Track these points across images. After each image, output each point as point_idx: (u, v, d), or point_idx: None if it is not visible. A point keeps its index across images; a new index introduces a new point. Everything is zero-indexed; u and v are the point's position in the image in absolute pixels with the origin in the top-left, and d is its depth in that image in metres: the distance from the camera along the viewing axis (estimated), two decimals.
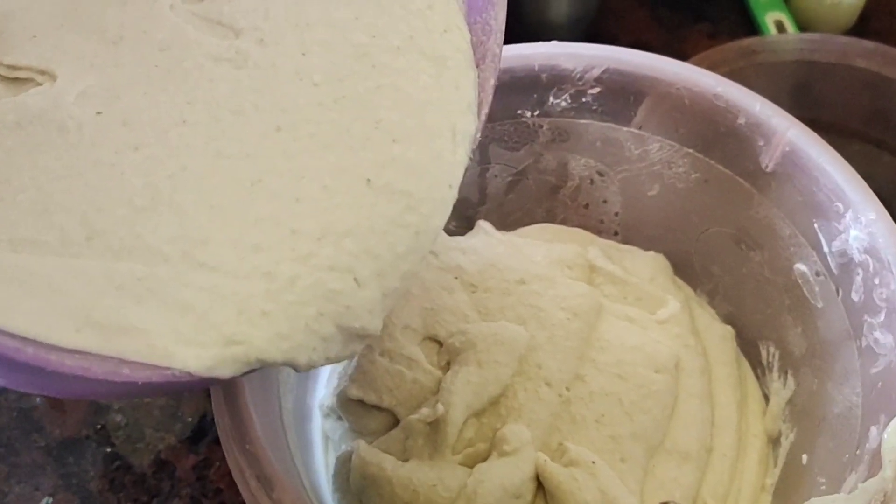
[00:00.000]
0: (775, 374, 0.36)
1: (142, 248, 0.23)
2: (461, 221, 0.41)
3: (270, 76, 0.26)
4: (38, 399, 0.47)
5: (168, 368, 0.22)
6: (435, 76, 0.27)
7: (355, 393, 0.35)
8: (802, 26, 0.58)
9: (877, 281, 0.29)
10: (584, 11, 0.57)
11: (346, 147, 0.25)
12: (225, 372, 0.22)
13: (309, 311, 0.23)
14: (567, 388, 0.34)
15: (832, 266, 0.31)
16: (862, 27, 0.59)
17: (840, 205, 0.31)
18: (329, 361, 0.24)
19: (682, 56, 0.58)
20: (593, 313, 0.35)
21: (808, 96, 0.54)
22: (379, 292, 0.24)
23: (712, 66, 0.52)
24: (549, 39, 0.54)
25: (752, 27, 0.60)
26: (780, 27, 0.59)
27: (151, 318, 0.23)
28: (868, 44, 0.53)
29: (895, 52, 0.52)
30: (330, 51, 0.27)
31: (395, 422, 0.35)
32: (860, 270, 0.30)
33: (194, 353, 0.22)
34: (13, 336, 0.21)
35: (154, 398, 0.45)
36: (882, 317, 0.29)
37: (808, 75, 0.53)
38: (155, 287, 0.23)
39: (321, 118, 0.26)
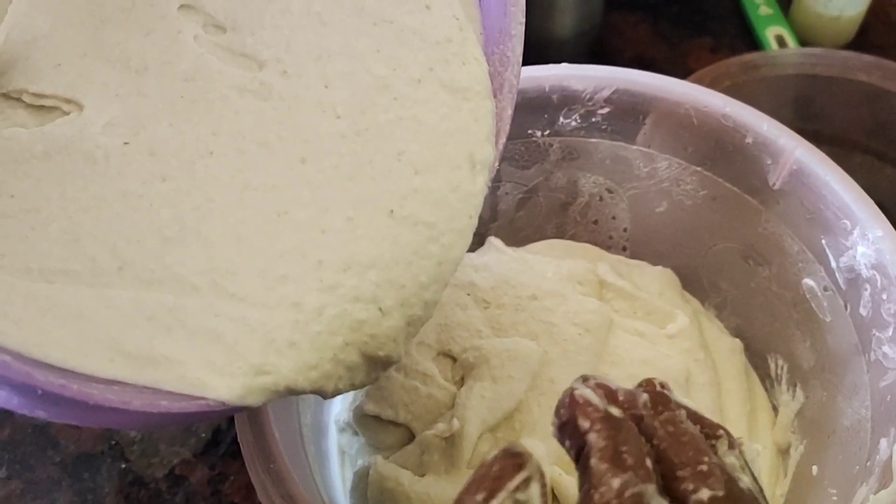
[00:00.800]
0: (784, 387, 0.37)
1: (171, 279, 0.24)
2: (473, 238, 0.41)
3: (294, 108, 0.27)
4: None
5: (203, 398, 0.22)
6: (454, 108, 0.27)
7: (371, 408, 0.35)
8: (803, 41, 0.59)
9: (884, 296, 0.30)
10: (588, 27, 0.57)
11: (368, 178, 0.26)
12: (255, 401, 0.23)
13: (336, 341, 0.24)
14: None
15: (840, 281, 0.32)
16: (861, 41, 0.60)
17: (847, 222, 0.31)
18: (354, 388, 0.25)
19: (684, 70, 0.59)
20: (604, 328, 0.36)
21: (810, 109, 0.54)
22: (403, 321, 0.25)
23: (715, 80, 0.53)
24: (554, 54, 0.55)
25: (753, 41, 0.61)
26: (781, 41, 0.59)
27: (182, 348, 0.23)
28: (868, 58, 0.53)
29: (895, 65, 0.52)
30: (352, 83, 0.27)
31: (411, 437, 0.35)
32: (868, 286, 0.31)
33: (226, 384, 0.23)
34: (56, 370, 0.22)
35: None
36: (890, 331, 0.29)
37: (809, 89, 0.54)
38: (184, 317, 0.23)
39: (344, 150, 0.26)
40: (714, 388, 0.37)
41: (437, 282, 0.25)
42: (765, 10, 0.61)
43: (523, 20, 0.28)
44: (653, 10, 0.63)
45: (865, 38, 0.60)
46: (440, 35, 0.28)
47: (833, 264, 0.32)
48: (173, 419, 0.23)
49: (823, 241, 0.33)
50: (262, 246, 0.25)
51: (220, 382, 0.23)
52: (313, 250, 0.25)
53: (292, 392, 0.23)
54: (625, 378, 0.35)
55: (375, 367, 0.25)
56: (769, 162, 0.34)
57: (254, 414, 0.28)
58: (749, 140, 0.34)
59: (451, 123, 0.27)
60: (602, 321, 0.36)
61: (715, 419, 0.35)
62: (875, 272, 0.30)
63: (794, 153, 0.33)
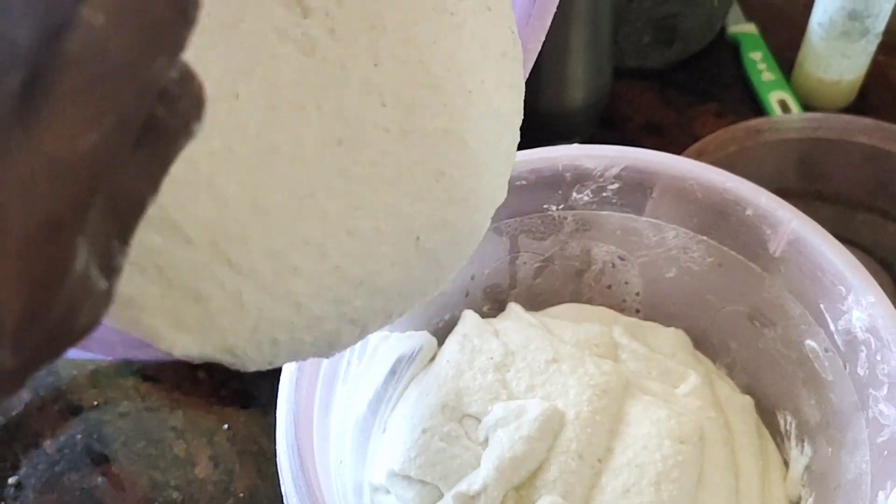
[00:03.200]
0: (793, 442, 0.39)
1: (162, 221, 0.20)
2: (493, 304, 0.44)
3: (338, 78, 0.23)
4: (99, 478, 0.50)
5: (154, 347, 0.21)
6: (496, 137, 0.26)
7: (402, 468, 0.38)
8: (805, 104, 0.62)
9: (879, 357, 0.32)
10: (597, 97, 0.61)
11: (405, 192, 0.24)
12: (199, 360, 0.21)
13: (308, 351, 0.23)
14: (599, 461, 0.37)
15: (839, 343, 0.34)
16: (862, 103, 0.62)
17: (842, 288, 0.34)
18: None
19: (691, 135, 0.62)
20: (620, 390, 0.38)
21: (814, 170, 0.57)
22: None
23: (722, 145, 0.55)
24: (566, 124, 0.58)
25: (757, 106, 0.64)
26: (784, 105, 0.62)
27: (148, 294, 0.20)
28: (867, 121, 0.56)
29: (893, 127, 0.55)
30: (403, 70, 0.24)
31: (440, 495, 0.37)
32: (864, 348, 0.33)
33: (183, 343, 0.21)
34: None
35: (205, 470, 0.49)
36: (885, 390, 0.32)
37: (812, 151, 0.57)
38: (165, 265, 0.21)
39: (385, 148, 0.24)
40: (728, 445, 0.39)
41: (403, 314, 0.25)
42: (767, 76, 0.64)
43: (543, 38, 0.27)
44: (660, 78, 0.66)
45: (865, 100, 0.63)
46: (497, 47, 0.25)
47: (832, 327, 0.35)
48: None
49: (822, 306, 0.35)
50: (280, 223, 0.22)
51: (178, 339, 0.21)
52: (334, 251, 0.23)
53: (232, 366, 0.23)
54: (641, 436, 0.37)
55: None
56: (769, 232, 0.36)
57: (303, 477, 0.31)
58: (749, 212, 0.36)
59: (489, 155, 0.25)
60: (618, 383, 0.38)
61: (729, 475, 0.38)
62: (870, 335, 0.33)
63: (791, 224, 0.35)
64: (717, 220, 0.38)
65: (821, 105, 0.62)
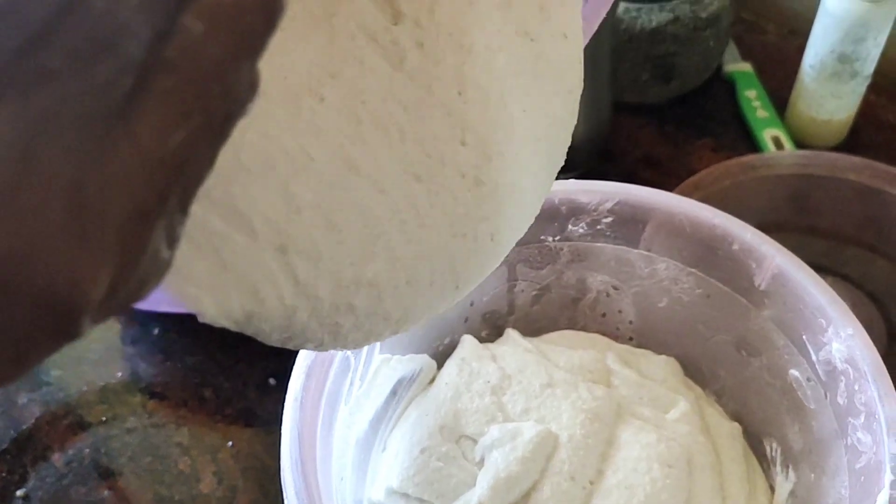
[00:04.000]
0: (779, 468, 0.40)
1: (228, 207, 0.20)
2: (492, 330, 0.46)
3: (424, 102, 0.22)
4: (106, 492, 0.51)
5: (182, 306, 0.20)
6: (542, 191, 0.25)
7: (400, 486, 0.39)
8: (797, 141, 0.64)
9: (856, 387, 0.34)
10: (597, 131, 0.63)
11: (463, 249, 0.23)
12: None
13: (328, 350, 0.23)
14: (590, 482, 0.38)
15: (820, 373, 0.36)
16: (853, 141, 0.64)
17: (823, 321, 0.35)
18: None
19: (688, 169, 0.64)
20: (612, 414, 0.40)
21: (806, 205, 0.59)
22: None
23: (717, 180, 0.57)
24: (566, 158, 0.60)
25: (751, 142, 0.66)
26: (777, 142, 0.64)
27: (198, 268, 0.20)
28: (857, 159, 0.58)
29: (882, 166, 0.57)
30: (485, 104, 0.22)
31: None
32: (843, 378, 0.34)
33: (216, 316, 0.20)
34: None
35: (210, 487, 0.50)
36: (862, 419, 0.33)
37: (804, 187, 0.59)
38: (224, 249, 0.20)
39: (460, 196, 0.22)
40: (715, 469, 0.40)
41: None
42: (762, 114, 0.66)
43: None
44: (658, 113, 0.68)
45: (856, 138, 0.65)
46: (569, 81, 0.24)
47: (813, 357, 0.36)
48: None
49: (804, 337, 0.37)
50: (352, 254, 0.21)
51: (214, 313, 0.20)
52: (389, 298, 0.22)
53: None
54: (631, 460, 0.39)
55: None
56: (754, 266, 0.38)
57: (306, 491, 0.32)
58: (736, 247, 0.38)
59: (530, 212, 0.25)
60: (610, 407, 0.40)
61: (717, 499, 0.39)
62: (848, 366, 0.34)
63: (775, 259, 0.37)
64: (706, 253, 0.40)
65: (813, 142, 0.64)
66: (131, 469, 0.52)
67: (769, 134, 0.65)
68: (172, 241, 0.16)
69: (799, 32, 0.69)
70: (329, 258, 0.21)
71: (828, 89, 0.61)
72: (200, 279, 0.20)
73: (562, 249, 0.42)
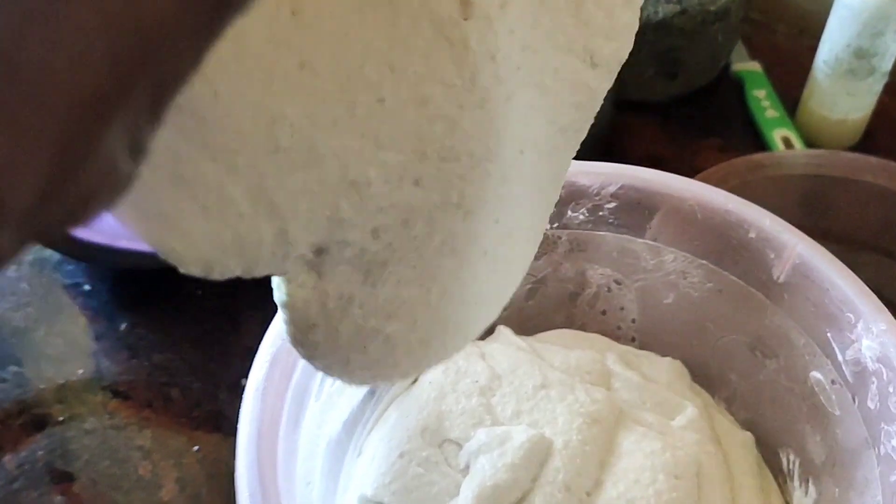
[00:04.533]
0: (796, 482, 0.36)
1: (263, 196, 0.18)
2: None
3: (494, 128, 0.21)
4: (58, 497, 0.47)
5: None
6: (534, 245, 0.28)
7: (374, 494, 0.35)
8: (809, 142, 0.61)
9: (891, 389, 0.30)
10: (598, 129, 0.59)
11: (479, 316, 0.26)
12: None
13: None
14: (587, 494, 0.34)
15: (847, 374, 0.32)
16: (867, 143, 0.61)
17: (851, 315, 0.32)
18: None
19: (693, 169, 0.60)
20: (612, 419, 0.36)
21: (818, 208, 0.55)
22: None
23: (723, 179, 0.54)
24: None
25: (760, 143, 0.62)
26: (788, 143, 0.61)
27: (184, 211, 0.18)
28: (873, 159, 0.55)
29: None
30: (545, 131, 0.23)
31: None
32: (874, 379, 0.31)
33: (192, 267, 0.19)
34: None
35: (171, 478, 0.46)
36: None
37: (816, 189, 0.55)
38: (224, 210, 0.18)
39: (517, 237, 0.24)
40: (726, 483, 0.36)
41: None
42: (771, 114, 0.63)
43: None
44: (662, 111, 0.65)
45: (871, 140, 0.61)
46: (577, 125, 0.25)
47: (839, 357, 0.33)
48: None
49: (829, 334, 0.33)
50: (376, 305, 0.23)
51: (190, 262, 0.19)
52: (402, 353, 0.24)
53: None
54: (633, 469, 0.35)
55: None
56: (772, 256, 0.34)
57: (261, 491, 0.28)
58: (752, 235, 0.35)
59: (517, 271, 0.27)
60: (610, 412, 0.36)
61: None
62: (881, 365, 0.30)
63: (796, 248, 0.33)
64: (719, 243, 0.36)
65: (825, 144, 0.61)
66: (87, 474, 0.48)
67: (779, 134, 0.62)
68: (136, 152, 0.13)
69: (810, 33, 0.66)
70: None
71: (842, 87, 0.58)
72: (180, 223, 0.18)
73: (560, 238, 0.39)
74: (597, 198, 0.37)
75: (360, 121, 0.18)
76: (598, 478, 0.34)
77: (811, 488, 0.35)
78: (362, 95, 0.18)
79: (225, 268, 0.20)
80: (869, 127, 0.61)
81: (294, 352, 0.32)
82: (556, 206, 0.38)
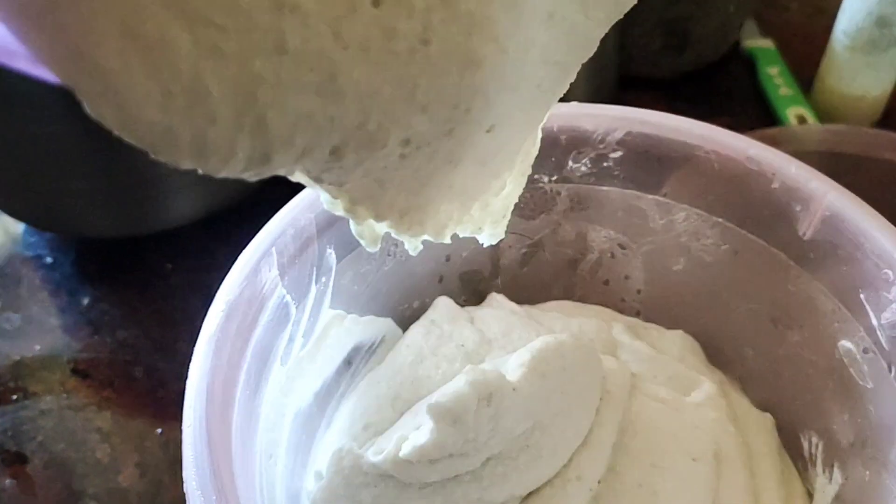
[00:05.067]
0: (819, 468, 0.32)
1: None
2: (471, 295, 0.38)
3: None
4: (8, 481, 0.43)
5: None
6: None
7: None
8: (825, 121, 0.57)
9: None
10: (598, 101, 0.56)
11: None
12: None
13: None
14: (598, 482, 0.30)
15: (882, 340, 0.28)
16: (887, 123, 0.58)
17: (889, 272, 0.28)
18: None
19: None
20: (625, 392, 0.32)
21: None
22: None
23: None
24: None
25: (772, 122, 0.59)
26: (802, 121, 0.57)
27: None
28: (895, 136, 0.51)
29: None
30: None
31: None
32: None
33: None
34: None
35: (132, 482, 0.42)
36: None
37: (832, 166, 0.51)
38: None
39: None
40: (747, 467, 0.32)
41: None
42: (785, 91, 0.59)
43: None
44: (669, 89, 0.62)
45: (891, 119, 0.58)
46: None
47: (874, 321, 0.29)
48: None
49: (862, 296, 0.29)
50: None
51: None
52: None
53: None
54: (647, 451, 0.31)
55: None
56: (798, 209, 0.31)
57: (210, 457, 0.24)
58: (776, 185, 0.31)
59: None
60: (623, 382, 0.32)
61: (749, 502, 0.31)
62: None
63: (827, 197, 0.30)
64: (737, 196, 0.32)
65: (842, 122, 0.57)
66: (41, 456, 0.44)
67: (793, 113, 0.58)
68: None
69: (825, 11, 0.63)
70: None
71: (862, 60, 0.54)
72: (123, 91, 0.14)
73: (559, 194, 0.35)
74: (601, 146, 0.33)
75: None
76: (610, 463, 0.30)
77: (836, 473, 0.31)
78: None
79: (171, 157, 0.16)
80: (889, 105, 0.57)
81: (255, 304, 0.28)
82: (555, 156, 0.34)
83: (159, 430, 0.45)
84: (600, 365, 0.31)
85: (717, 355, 0.36)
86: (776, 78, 0.60)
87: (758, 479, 0.31)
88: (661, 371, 0.34)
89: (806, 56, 0.61)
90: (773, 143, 0.51)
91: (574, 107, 0.33)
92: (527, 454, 0.29)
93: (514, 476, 0.29)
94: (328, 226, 0.31)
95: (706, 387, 0.33)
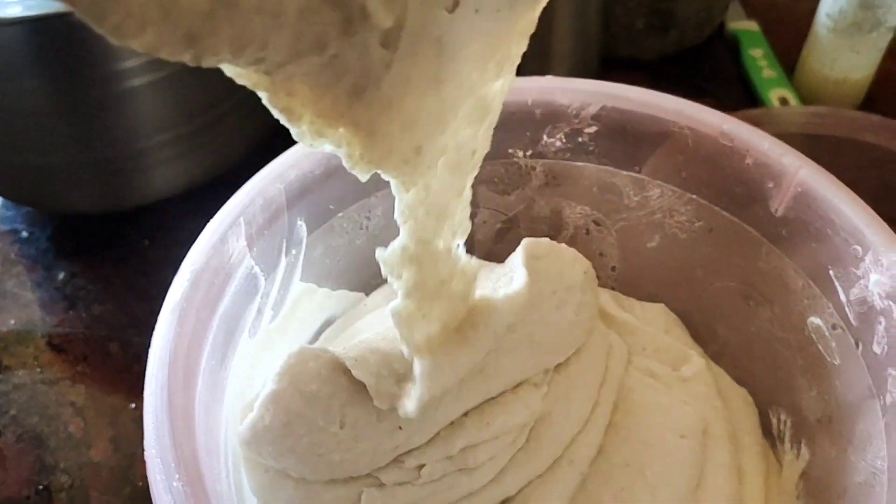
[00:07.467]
0: (787, 445, 0.32)
1: None
2: None
3: None
4: None
5: None
6: None
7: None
8: (807, 104, 0.57)
9: None
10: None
11: None
12: None
13: None
14: (589, 465, 0.30)
15: (850, 317, 0.28)
16: (868, 106, 0.58)
17: (858, 247, 0.28)
18: None
19: None
20: (623, 369, 0.32)
21: None
22: None
23: None
24: None
25: (755, 103, 0.59)
26: (785, 104, 0.57)
27: None
28: (875, 118, 0.51)
29: None
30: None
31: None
32: (882, 319, 0.27)
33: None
34: None
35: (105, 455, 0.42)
36: None
37: (814, 148, 0.51)
38: None
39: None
40: (732, 442, 0.32)
41: None
42: (768, 73, 0.59)
43: None
44: (652, 70, 0.61)
45: (873, 103, 0.58)
46: None
47: (842, 298, 0.29)
48: None
49: (831, 272, 0.29)
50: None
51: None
52: None
53: None
54: (637, 429, 0.30)
55: None
56: (771, 185, 0.30)
57: (170, 426, 0.24)
58: (749, 161, 0.31)
59: None
60: (621, 359, 0.32)
61: (733, 479, 0.31)
62: (890, 302, 0.27)
63: (799, 173, 0.30)
64: (711, 173, 0.32)
65: (825, 105, 0.57)
66: (13, 430, 0.44)
67: (776, 95, 0.58)
68: None
69: None
70: None
71: (845, 42, 0.54)
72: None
73: (534, 169, 0.35)
74: (576, 120, 0.33)
75: None
76: (599, 442, 0.30)
77: (804, 450, 0.31)
78: None
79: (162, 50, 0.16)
80: (871, 88, 0.57)
81: (221, 274, 0.28)
82: (529, 130, 0.34)
83: (133, 405, 0.45)
84: (606, 335, 0.31)
85: (691, 333, 0.36)
86: (760, 60, 0.60)
87: (741, 455, 0.31)
88: (650, 344, 0.34)
89: (790, 39, 0.61)
90: (756, 124, 0.51)
91: (549, 80, 0.33)
92: (525, 449, 0.29)
93: (510, 470, 0.29)
94: (299, 197, 0.31)
95: (695, 360, 0.33)
